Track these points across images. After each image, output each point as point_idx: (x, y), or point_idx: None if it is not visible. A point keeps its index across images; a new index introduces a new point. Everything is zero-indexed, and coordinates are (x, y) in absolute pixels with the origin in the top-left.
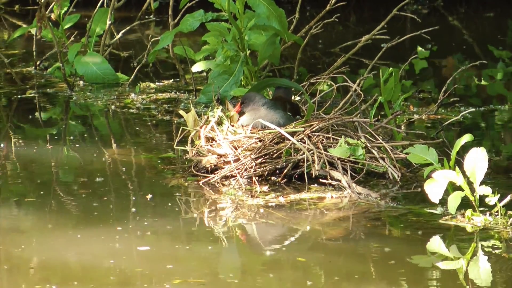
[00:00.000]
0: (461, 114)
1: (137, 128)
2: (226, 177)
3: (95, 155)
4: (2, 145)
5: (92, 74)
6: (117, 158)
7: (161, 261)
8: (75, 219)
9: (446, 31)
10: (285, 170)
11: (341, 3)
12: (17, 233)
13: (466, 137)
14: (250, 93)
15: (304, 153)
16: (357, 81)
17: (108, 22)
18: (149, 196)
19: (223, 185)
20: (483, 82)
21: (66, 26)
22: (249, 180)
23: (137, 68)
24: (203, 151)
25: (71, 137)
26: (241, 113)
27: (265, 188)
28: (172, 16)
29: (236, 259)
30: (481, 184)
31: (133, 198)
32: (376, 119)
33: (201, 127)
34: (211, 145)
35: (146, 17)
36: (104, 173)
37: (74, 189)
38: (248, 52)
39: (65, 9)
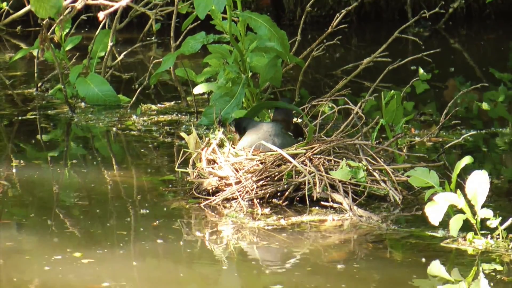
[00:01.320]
0: (462, 137)
1: (139, 150)
2: (228, 199)
3: (96, 177)
4: (3, 167)
5: (94, 96)
6: (118, 180)
7: (162, 283)
8: (76, 241)
9: (447, 54)
10: (286, 193)
11: (342, 26)
12: (18, 255)
13: (466, 159)
14: (243, 118)
15: (305, 176)
16: (359, 104)
17: (110, 44)
18: (156, 222)
19: (225, 207)
20: (484, 107)
21: (68, 48)
22: (250, 203)
23: (138, 90)
24: (204, 173)
25: (73, 159)
26: (241, 136)
27: (267, 210)
28: (174, 38)
29: (237, 282)
30: (482, 207)
31: (134, 220)
32: (377, 141)
33: (202, 149)
34: (212, 167)
35: (148, 38)
36: (105, 195)
37: (75, 211)
38: (250, 74)
39: (67, 30)
